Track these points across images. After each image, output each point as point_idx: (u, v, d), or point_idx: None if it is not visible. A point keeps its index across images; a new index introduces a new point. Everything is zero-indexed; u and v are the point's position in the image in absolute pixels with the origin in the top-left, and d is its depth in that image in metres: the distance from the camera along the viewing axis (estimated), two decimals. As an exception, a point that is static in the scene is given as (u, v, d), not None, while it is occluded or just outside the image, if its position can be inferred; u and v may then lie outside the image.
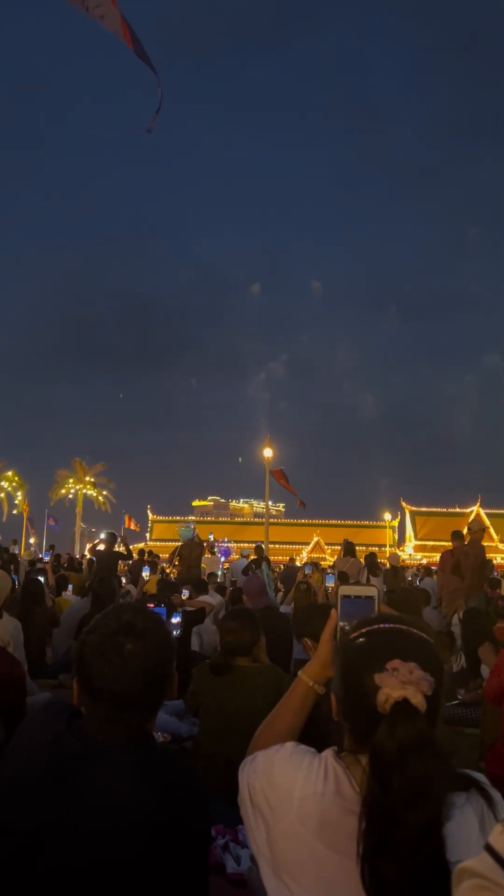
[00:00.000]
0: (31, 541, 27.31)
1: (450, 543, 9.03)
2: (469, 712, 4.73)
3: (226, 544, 14.56)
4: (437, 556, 10.70)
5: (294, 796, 1.14)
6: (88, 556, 14.80)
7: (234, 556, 16.45)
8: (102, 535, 10.94)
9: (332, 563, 17.90)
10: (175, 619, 4.13)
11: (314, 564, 12.05)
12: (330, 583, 7.83)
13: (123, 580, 10.40)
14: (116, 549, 10.14)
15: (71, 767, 1.20)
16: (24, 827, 1.16)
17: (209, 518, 61.33)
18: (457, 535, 9.02)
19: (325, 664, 1.44)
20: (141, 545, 30.35)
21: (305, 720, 1.47)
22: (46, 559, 10.79)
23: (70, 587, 8.71)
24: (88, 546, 12.57)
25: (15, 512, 40.62)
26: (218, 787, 1.76)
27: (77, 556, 20.68)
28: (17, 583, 7.31)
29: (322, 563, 23.24)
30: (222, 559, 14.81)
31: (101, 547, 10.11)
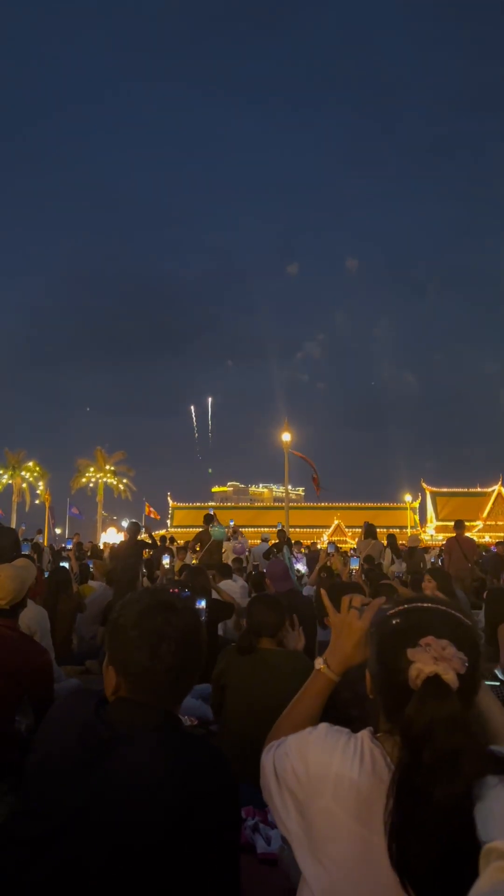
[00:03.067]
0: (58, 531, 27.60)
1: (472, 523, 9.64)
2: (497, 690, 4.71)
3: (241, 543, 14.27)
4: None
5: (330, 776, 1.14)
6: (111, 545, 14.93)
7: (256, 541, 16.46)
8: (124, 524, 11.02)
9: (353, 546, 17.90)
10: (200, 605, 4.13)
11: (335, 547, 12.06)
12: (354, 565, 7.81)
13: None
14: (141, 537, 10.18)
15: (100, 753, 1.21)
16: (54, 811, 1.17)
17: (229, 503, 61.51)
18: (459, 525, 10.65)
19: (347, 659, 1.48)
20: (162, 532, 30.59)
21: (322, 709, 1.50)
22: (69, 547, 10.90)
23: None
24: (108, 551, 12.72)
25: (37, 502, 41.03)
26: (246, 768, 1.77)
27: (100, 545, 20.87)
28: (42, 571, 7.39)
29: (342, 545, 23.22)
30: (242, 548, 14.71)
31: (123, 536, 10.18)
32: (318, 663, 1.51)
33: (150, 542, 11.10)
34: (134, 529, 10.08)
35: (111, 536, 34.51)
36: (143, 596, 1.39)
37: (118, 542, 10.57)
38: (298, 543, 17.76)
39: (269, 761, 1.29)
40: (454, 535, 10.51)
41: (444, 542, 12.61)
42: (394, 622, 1.19)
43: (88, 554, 13.41)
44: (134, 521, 10.96)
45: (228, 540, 13.47)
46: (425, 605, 1.20)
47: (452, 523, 11.32)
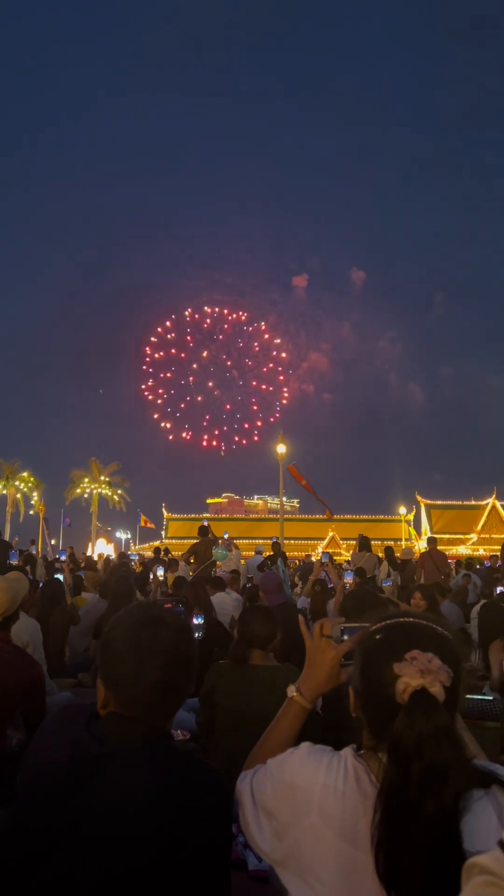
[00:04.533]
0: (52, 542, 27.48)
1: (466, 536, 10.34)
2: (490, 705, 4.71)
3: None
4: (453, 550, 11.90)
5: (315, 794, 1.14)
6: (104, 556, 14.83)
7: (250, 553, 16.40)
8: (119, 535, 10.97)
9: (347, 559, 17.85)
10: (197, 621, 4.08)
11: (329, 556, 11.99)
12: (348, 579, 7.78)
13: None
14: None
15: (90, 769, 1.21)
16: (44, 829, 1.17)
17: (224, 515, 61.36)
18: (431, 541, 12.00)
19: (319, 688, 1.47)
20: (156, 543, 30.48)
21: (296, 737, 1.48)
22: (63, 558, 10.83)
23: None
24: (101, 562, 12.69)
25: (32, 512, 40.86)
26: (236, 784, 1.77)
27: (94, 556, 20.79)
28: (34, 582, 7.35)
29: (337, 558, 23.18)
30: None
31: (112, 548, 10.14)
32: (291, 691, 1.50)
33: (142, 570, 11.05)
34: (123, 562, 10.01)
35: (100, 547, 34.37)
36: (135, 610, 1.40)
37: (115, 556, 10.55)
38: (334, 559, 16.84)
39: (245, 786, 1.30)
40: (427, 549, 11.74)
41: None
42: (377, 637, 1.20)
43: (82, 565, 13.35)
44: (124, 560, 10.91)
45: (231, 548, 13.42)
46: (407, 619, 1.20)
47: (446, 536, 11.82)
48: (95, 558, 17.16)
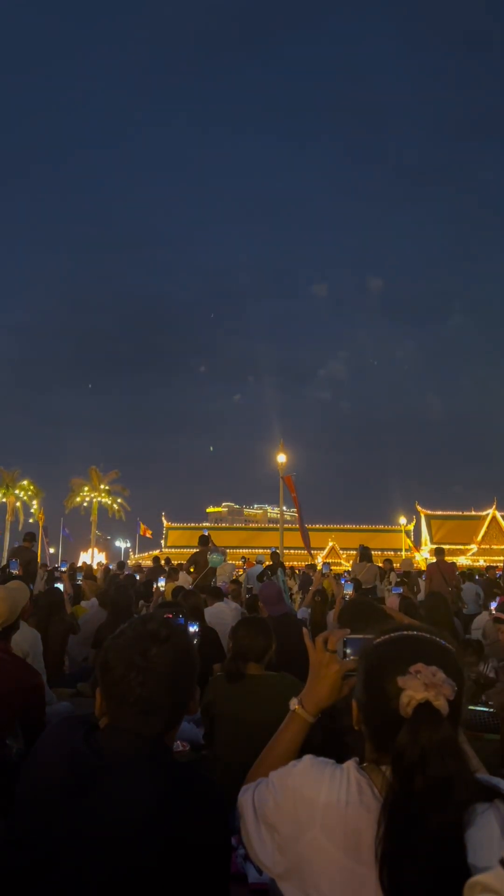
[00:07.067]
0: (51, 550, 27.40)
1: (466, 547, 10.16)
2: (490, 717, 4.69)
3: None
4: (453, 560, 11.79)
5: (318, 808, 1.14)
6: (104, 564, 14.78)
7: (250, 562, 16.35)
8: (118, 544, 10.93)
9: (348, 569, 17.80)
10: (192, 629, 4.09)
11: (329, 568, 11.96)
12: (348, 590, 7.75)
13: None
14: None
15: (88, 782, 1.20)
16: (41, 841, 1.16)
17: (223, 524, 61.18)
18: (438, 552, 11.45)
19: (321, 701, 1.47)
20: (156, 552, 30.42)
21: (298, 751, 1.48)
22: (63, 568, 10.81)
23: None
24: (100, 572, 12.58)
25: (31, 521, 40.72)
26: (237, 796, 1.76)
27: (94, 565, 20.76)
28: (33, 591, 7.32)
29: (336, 568, 23.10)
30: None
31: (104, 557, 10.10)
32: (293, 704, 1.49)
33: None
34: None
35: (96, 556, 34.19)
36: (135, 623, 1.40)
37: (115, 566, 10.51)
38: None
39: (247, 799, 1.30)
40: (435, 560, 11.42)
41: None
42: (380, 650, 1.20)
43: (83, 574, 13.30)
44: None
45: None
46: (411, 633, 1.21)
47: (447, 547, 11.68)
48: (95, 567, 17.12)
